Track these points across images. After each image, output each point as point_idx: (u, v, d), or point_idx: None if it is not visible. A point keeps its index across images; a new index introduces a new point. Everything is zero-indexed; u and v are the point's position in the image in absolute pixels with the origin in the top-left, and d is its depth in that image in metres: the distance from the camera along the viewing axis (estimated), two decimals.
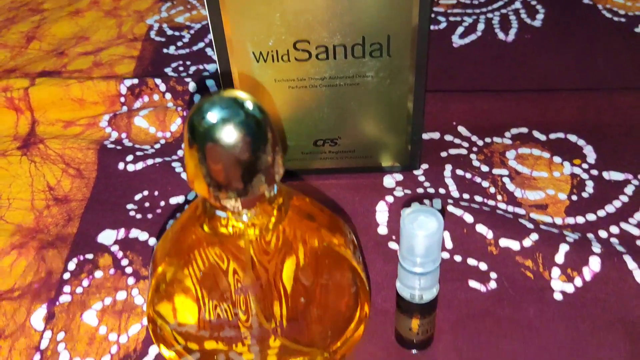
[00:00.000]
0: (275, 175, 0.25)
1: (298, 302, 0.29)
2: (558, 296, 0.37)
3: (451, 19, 0.62)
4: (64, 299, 0.39)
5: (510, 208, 0.43)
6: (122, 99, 0.53)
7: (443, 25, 0.61)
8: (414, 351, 0.35)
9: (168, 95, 0.53)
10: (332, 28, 0.37)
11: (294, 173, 0.46)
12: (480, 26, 0.60)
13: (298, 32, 0.38)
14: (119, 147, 0.49)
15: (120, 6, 0.68)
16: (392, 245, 0.41)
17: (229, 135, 0.23)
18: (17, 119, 0.52)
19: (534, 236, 0.40)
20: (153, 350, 0.36)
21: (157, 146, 0.49)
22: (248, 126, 0.23)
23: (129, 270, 0.40)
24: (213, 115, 0.23)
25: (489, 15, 0.62)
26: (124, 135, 0.50)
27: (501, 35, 0.59)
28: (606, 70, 0.54)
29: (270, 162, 0.24)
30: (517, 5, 0.63)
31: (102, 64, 0.59)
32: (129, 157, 0.48)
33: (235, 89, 0.30)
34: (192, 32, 0.62)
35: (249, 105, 0.24)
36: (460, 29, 0.60)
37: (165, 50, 0.60)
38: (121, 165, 0.47)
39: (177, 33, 0.62)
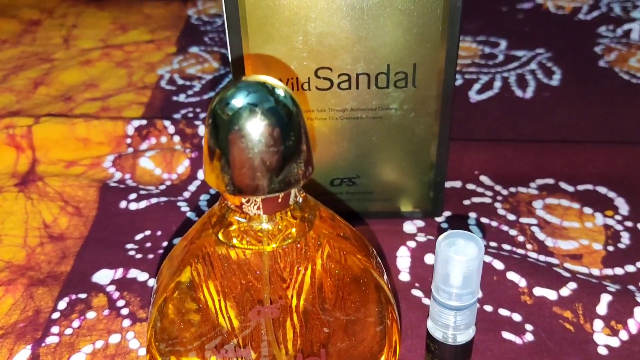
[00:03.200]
0: (304, 174, 0.22)
1: (318, 334, 0.26)
2: (603, 350, 0.33)
3: (467, 76, 0.61)
4: (51, 340, 0.35)
5: (542, 257, 0.39)
6: (129, 140, 0.51)
7: (459, 82, 0.60)
8: None
9: (176, 138, 0.51)
10: (356, 54, 0.36)
11: None
12: (497, 84, 0.59)
13: (321, 58, 0.36)
14: (122, 186, 0.46)
15: (132, 58, 0.67)
16: (416, 292, 0.37)
17: (256, 123, 0.20)
18: (17, 157, 0.50)
19: (572, 285, 0.36)
20: None
21: (163, 187, 0.47)
22: (277, 114, 0.21)
23: (125, 311, 0.36)
24: (239, 101, 0.21)
25: (505, 74, 0.61)
26: (127, 176, 0.48)
27: (519, 92, 0.58)
28: (630, 126, 0.52)
29: (299, 157, 0.22)
30: (533, 66, 0.62)
31: (110, 109, 0.57)
32: (132, 196, 0.45)
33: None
34: (203, 82, 0.61)
35: (280, 92, 0.21)
36: (477, 86, 0.59)
37: (175, 98, 0.58)
38: (123, 204, 0.44)
39: (187, 82, 0.61)
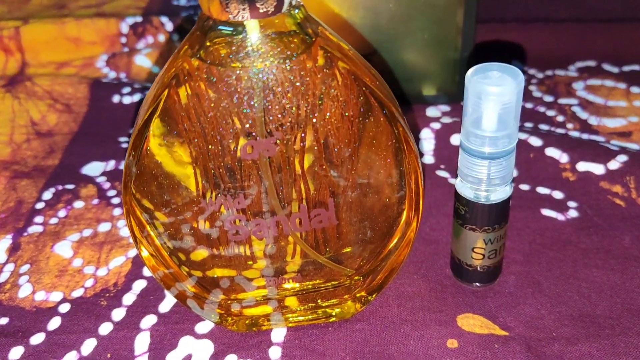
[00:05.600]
0: None
1: (326, 180, 0.21)
2: None
3: None
4: (34, 229, 0.31)
5: (586, 135, 0.35)
6: (123, 39, 0.46)
7: None
8: (476, 284, 0.26)
9: (175, 36, 0.47)
10: None
11: None
12: None
13: None
14: (115, 82, 0.42)
15: None
16: (441, 173, 0.33)
17: None
18: (5, 61, 0.46)
19: (622, 157, 0.31)
20: (138, 285, 0.28)
21: None
22: None
23: (116, 200, 0.33)
24: None
25: None
26: (122, 75, 0.44)
27: None
28: None
29: None
30: None
31: (105, 14, 0.53)
32: (126, 89, 0.41)
33: None
34: None
35: None
36: None
37: (175, 2, 0.54)
38: (116, 98, 0.40)
39: None
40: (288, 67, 0.20)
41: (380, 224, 0.23)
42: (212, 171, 0.21)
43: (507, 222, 0.25)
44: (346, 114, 0.21)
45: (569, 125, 0.35)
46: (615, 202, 0.30)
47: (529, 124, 0.36)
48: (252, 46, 0.19)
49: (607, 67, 0.40)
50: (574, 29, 0.43)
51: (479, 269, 0.26)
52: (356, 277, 0.24)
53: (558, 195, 0.31)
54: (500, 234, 0.25)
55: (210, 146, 0.21)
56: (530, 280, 0.26)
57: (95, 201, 0.33)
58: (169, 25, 0.47)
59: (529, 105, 0.37)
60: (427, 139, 0.35)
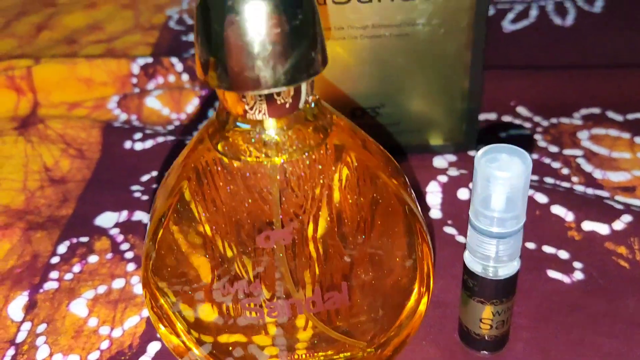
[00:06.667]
0: (316, 64, 0.18)
1: (339, 265, 0.22)
2: None
3: (499, 6, 0.56)
4: (50, 285, 0.32)
5: (590, 190, 0.35)
6: (134, 80, 0.47)
7: (490, 13, 0.55)
8: (484, 352, 0.27)
9: (185, 77, 0.47)
10: None
11: None
12: (533, 12, 0.54)
13: None
14: (127, 127, 0.43)
15: (138, 0, 0.63)
16: (449, 230, 0.33)
17: (256, 2, 0.17)
18: (17, 101, 0.47)
19: (627, 218, 0.32)
20: (153, 347, 0.29)
21: (171, 127, 0.43)
22: None
23: (129, 255, 0.33)
24: None
25: (542, 2, 0.55)
26: (134, 117, 0.44)
27: (557, 21, 0.53)
28: None
29: (309, 41, 0.18)
30: None
31: (115, 50, 0.53)
32: (138, 135, 0.41)
33: None
34: None
35: None
36: (510, 15, 0.54)
37: (184, 38, 0.54)
38: (128, 144, 0.41)
39: None
40: (305, 160, 0.20)
41: (392, 301, 0.23)
42: (228, 257, 0.22)
43: (514, 294, 0.26)
44: (360, 198, 0.22)
45: (574, 179, 0.36)
46: (620, 264, 0.31)
47: (534, 177, 0.36)
48: (269, 140, 0.20)
49: (611, 114, 0.41)
50: (579, 75, 0.44)
51: (486, 338, 0.26)
52: (369, 350, 0.25)
53: (564, 255, 0.31)
54: (508, 305, 0.26)
55: (227, 236, 0.21)
56: (538, 347, 0.27)
57: (109, 255, 0.33)
58: (179, 66, 0.48)
59: (534, 156, 0.38)
60: (434, 193, 0.36)
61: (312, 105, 0.20)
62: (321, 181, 0.21)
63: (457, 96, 0.36)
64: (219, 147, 0.20)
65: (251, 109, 0.19)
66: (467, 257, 0.25)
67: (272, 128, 0.20)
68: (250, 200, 0.20)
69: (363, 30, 0.34)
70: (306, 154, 0.20)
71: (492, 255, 0.24)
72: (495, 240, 0.23)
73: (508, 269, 0.24)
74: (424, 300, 0.24)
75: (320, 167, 0.20)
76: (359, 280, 0.22)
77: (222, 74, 0.18)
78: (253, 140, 0.20)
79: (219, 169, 0.21)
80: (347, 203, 0.21)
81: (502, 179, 0.22)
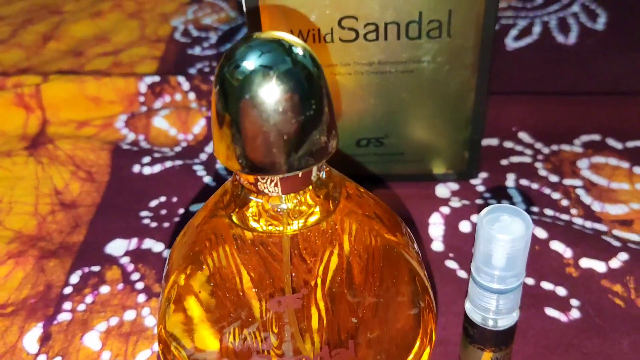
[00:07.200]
0: (327, 149, 0.19)
1: (346, 324, 0.23)
2: None
3: (503, 21, 0.56)
4: (64, 317, 0.33)
5: (589, 224, 0.36)
6: (142, 98, 0.48)
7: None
8: None
9: (192, 95, 0.48)
10: (384, 1, 0.32)
11: None
12: (537, 29, 0.55)
13: (345, 6, 0.32)
14: (135, 149, 0.44)
15: (144, 9, 0.64)
16: (450, 264, 0.34)
17: (271, 89, 0.17)
18: (26, 118, 0.47)
19: (623, 256, 0.33)
20: None
21: (178, 149, 0.44)
22: (295, 78, 0.18)
23: (139, 285, 0.34)
24: (251, 63, 0.17)
25: (545, 18, 0.56)
26: (141, 137, 0.45)
27: (560, 38, 0.53)
28: None
29: (322, 128, 0.19)
30: (575, 8, 0.57)
31: (122, 64, 0.54)
32: (146, 159, 0.42)
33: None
34: (219, 33, 0.57)
35: (298, 50, 0.18)
36: (514, 32, 0.54)
37: (190, 51, 0.55)
38: (137, 168, 0.42)
39: (203, 34, 0.57)
40: (315, 230, 0.21)
41: (396, 353, 0.25)
42: (240, 321, 0.23)
43: (513, 341, 0.27)
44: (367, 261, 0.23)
45: (573, 211, 0.37)
46: (615, 302, 0.32)
47: (535, 209, 0.37)
48: (282, 212, 0.21)
49: (611, 142, 0.42)
50: (580, 100, 0.44)
51: None
52: None
53: (561, 291, 0.32)
54: (507, 352, 0.27)
55: (239, 301, 0.22)
56: None
57: (120, 286, 0.34)
58: (186, 85, 0.48)
59: (535, 186, 0.39)
60: (437, 224, 0.36)
61: (323, 175, 0.21)
62: (330, 247, 0.22)
63: (460, 128, 0.37)
64: (234, 218, 0.21)
65: (265, 187, 0.20)
66: (468, 307, 0.26)
67: (284, 202, 0.20)
68: (261, 266, 0.21)
69: (369, 66, 0.34)
70: (316, 223, 0.21)
71: (493, 308, 0.25)
72: (495, 295, 0.24)
73: (507, 320, 0.25)
74: (427, 352, 0.25)
75: (329, 233, 0.21)
76: (365, 338, 0.23)
77: (237, 158, 0.19)
78: (266, 212, 0.21)
79: (233, 236, 0.22)
80: (355, 266, 0.22)
81: (503, 241, 0.23)
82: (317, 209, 0.21)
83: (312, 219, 0.21)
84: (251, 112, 0.18)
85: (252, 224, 0.21)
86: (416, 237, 0.36)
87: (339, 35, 0.33)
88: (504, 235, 0.23)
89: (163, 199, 0.40)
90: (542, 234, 0.35)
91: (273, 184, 0.20)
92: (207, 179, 0.41)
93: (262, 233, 0.21)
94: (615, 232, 0.35)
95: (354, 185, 0.23)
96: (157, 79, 0.48)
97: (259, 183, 0.20)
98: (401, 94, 0.35)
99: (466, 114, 0.36)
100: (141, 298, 0.33)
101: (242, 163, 0.19)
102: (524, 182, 0.39)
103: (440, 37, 0.33)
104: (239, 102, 0.18)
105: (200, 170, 0.41)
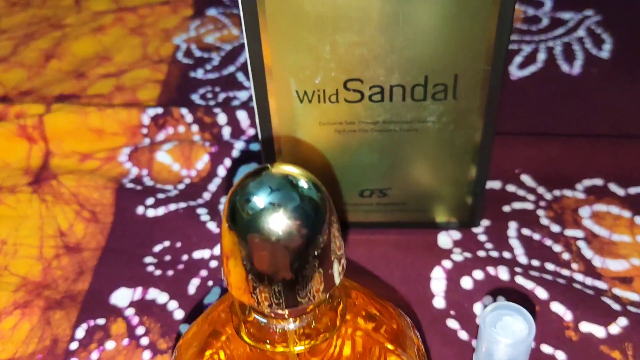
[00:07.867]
0: (335, 278, 0.19)
1: None
2: None
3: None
4: None
5: (589, 281, 0.36)
6: (144, 130, 0.48)
7: None
8: None
9: (195, 128, 0.48)
10: (390, 65, 0.32)
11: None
12: (541, 56, 0.54)
13: (350, 69, 0.32)
14: (138, 187, 0.44)
15: (146, 23, 0.63)
16: (451, 323, 0.35)
17: (280, 224, 0.18)
18: (29, 150, 0.47)
19: (622, 321, 0.33)
20: None
21: (181, 186, 0.44)
22: (304, 213, 0.18)
23: (144, 341, 0.35)
24: (260, 199, 0.18)
25: (550, 43, 0.55)
26: (144, 172, 0.45)
27: (565, 67, 0.53)
28: None
29: (329, 266, 0.19)
30: (581, 33, 0.56)
31: (124, 88, 0.54)
32: (150, 201, 0.42)
33: (280, 159, 0.25)
34: (222, 54, 0.57)
35: (304, 184, 0.18)
36: (518, 59, 0.54)
37: (192, 74, 0.55)
38: (140, 210, 0.42)
39: (205, 55, 0.57)
40: (322, 344, 0.22)
41: None
42: None
43: None
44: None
45: (574, 266, 0.37)
46: None
47: (536, 263, 0.37)
48: (289, 331, 0.21)
49: (613, 187, 0.42)
50: (583, 143, 0.44)
51: None
52: None
53: (561, 356, 0.33)
54: None
55: None
56: None
57: (126, 341, 0.35)
58: (189, 117, 0.48)
59: (536, 237, 0.39)
60: (439, 279, 0.37)
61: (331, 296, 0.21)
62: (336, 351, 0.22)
63: (463, 182, 0.37)
64: (243, 334, 0.21)
65: (272, 311, 0.20)
66: None
67: (291, 323, 0.21)
68: None
69: (374, 125, 0.34)
70: (321, 339, 0.21)
71: None
72: None
73: None
74: None
75: (334, 348, 0.22)
76: None
77: (248, 291, 0.19)
78: (273, 331, 0.21)
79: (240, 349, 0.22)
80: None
81: (504, 343, 0.23)
82: (325, 325, 0.21)
83: (319, 335, 0.21)
84: (261, 245, 0.18)
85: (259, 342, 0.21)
86: (419, 295, 0.36)
87: (344, 96, 0.33)
88: (505, 338, 0.23)
89: (167, 243, 0.40)
90: (543, 294, 0.35)
91: (280, 311, 0.20)
92: (210, 225, 0.41)
93: (270, 351, 0.21)
94: (615, 290, 0.36)
95: (360, 291, 0.24)
96: (160, 111, 0.48)
97: (266, 310, 0.20)
98: (405, 150, 0.36)
99: (469, 169, 0.36)
100: (146, 355, 0.34)
101: (251, 294, 0.19)
102: (525, 231, 0.39)
103: (446, 99, 0.33)
104: (248, 235, 0.18)
105: (203, 215, 0.41)
